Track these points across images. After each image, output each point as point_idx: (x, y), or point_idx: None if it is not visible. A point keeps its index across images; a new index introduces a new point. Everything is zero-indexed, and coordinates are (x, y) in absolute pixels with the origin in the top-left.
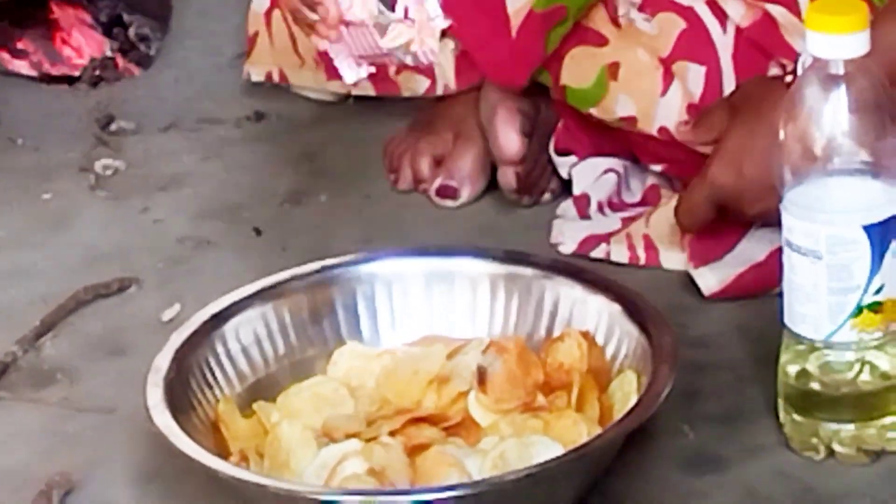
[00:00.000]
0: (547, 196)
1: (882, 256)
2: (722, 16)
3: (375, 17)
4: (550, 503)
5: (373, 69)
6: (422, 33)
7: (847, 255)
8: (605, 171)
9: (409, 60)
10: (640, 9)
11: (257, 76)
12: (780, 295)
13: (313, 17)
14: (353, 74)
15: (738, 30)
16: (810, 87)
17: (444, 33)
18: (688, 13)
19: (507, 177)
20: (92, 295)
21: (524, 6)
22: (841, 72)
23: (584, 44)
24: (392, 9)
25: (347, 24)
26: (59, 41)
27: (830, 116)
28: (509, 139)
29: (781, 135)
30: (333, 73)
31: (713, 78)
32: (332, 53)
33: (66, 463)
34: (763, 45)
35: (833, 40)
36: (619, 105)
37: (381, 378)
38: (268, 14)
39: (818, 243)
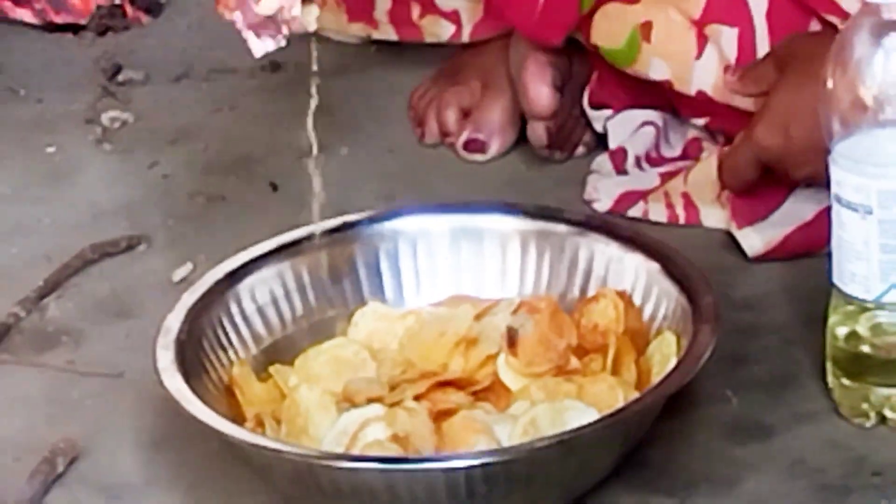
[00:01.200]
0: (580, 150)
1: None
2: None
3: None
4: (585, 471)
5: (283, 42)
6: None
7: None
8: (643, 124)
9: (284, 30)
10: None
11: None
12: (829, 254)
13: None
14: (260, 47)
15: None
16: (861, 32)
17: None
18: None
19: (538, 132)
20: (98, 254)
21: None
22: (895, 17)
23: (615, 0)
24: None
25: None
26: None
27: (882, 64)
28: (540, 93)
29: (829, 83)
30: (355, 15)
31: (746, 40)
32: (237, 25)
33: (72, 429)
34: (806, 1)
35: None
36: (652, 69)
37: (404, 340)
38: None
39: (869, 198)
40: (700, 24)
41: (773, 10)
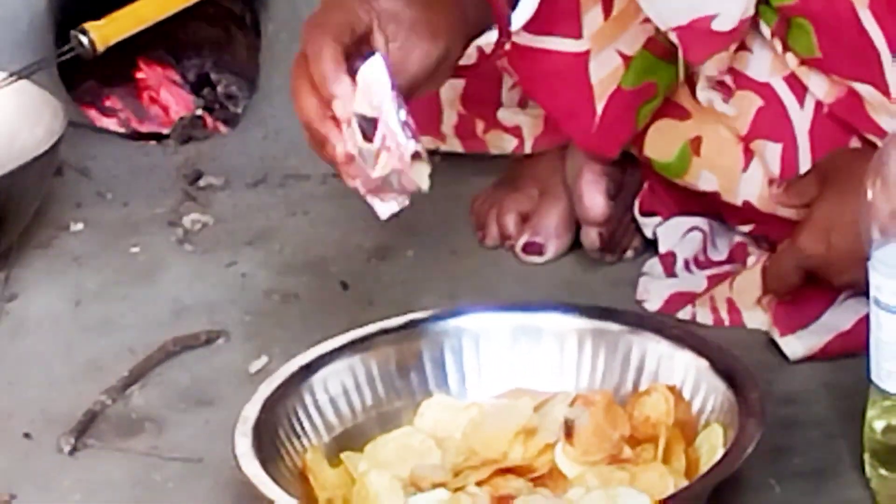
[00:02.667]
0: (629, 254)
1: None
2: (801, 91)
3: (360, 148)
4: None
5: (406, 201)
6: (400, 161)
7: None
8: (691, 230)
9: (404, 190)
10: (718, 86)
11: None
12: (867, 354)
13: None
14: (385, 209)
15: (819, 105)
16: None
17: (417, 156)
18: (765, 90)
19: (591, 237)
20: (180, 346)
21: (609, 80)
22: None
23: (667, 116)
24: (371, 139)
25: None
26: (147, 99)
27: None
28: (595, 201)
29: (869, 195)
30: (424, 129)
31: (789, 154)
32: (360, 192)
33: None
34: (847, 121)
35: None
36: (701, 180)
37: (467, 429)
38: None
39: None
40: (746, 140)
41: (816, 128)
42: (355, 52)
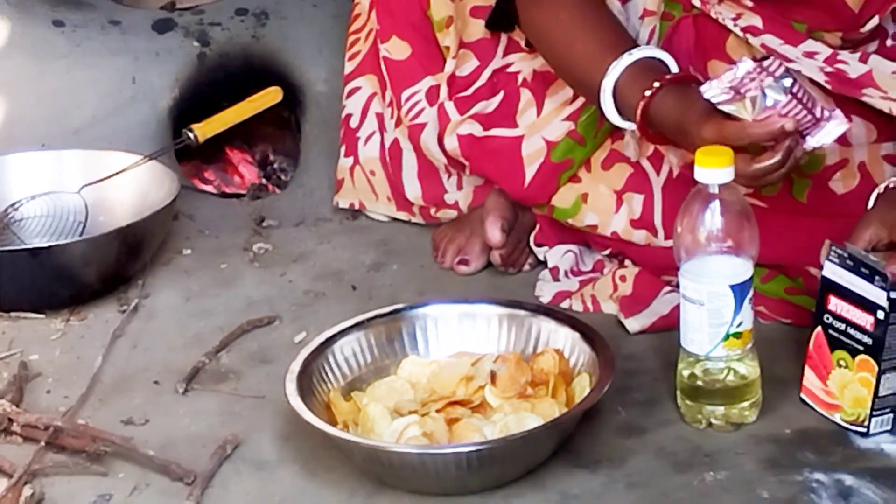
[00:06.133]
0: (527, 268)
1: (742, 304)
2: (658, 163)
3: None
4: (535, 456)
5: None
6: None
7: (720, 303)
8: (567, 252)
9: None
10: (604, 166)
11: (343, 204)
12: (678, 329)
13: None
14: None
15: (671, 171)
16: (697, 199)
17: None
18: (635, 166)
19: (495, 257)
20: (251, 326)
21: (536, 155)
22: (716, 191)
23: (568, 181)
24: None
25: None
26: (231, 172)
27: (709, 218)
28: (493, 234)
29: (679, 228)
30: (401, 206)
31: (648, 203)
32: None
33: (235, 429)
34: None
35: (710, 172)
36: (587, 219)
37: (430, 377)
38: (351, 169)
39: (702, 296)
40: (620, 193)
41: (668, 185)
42: None
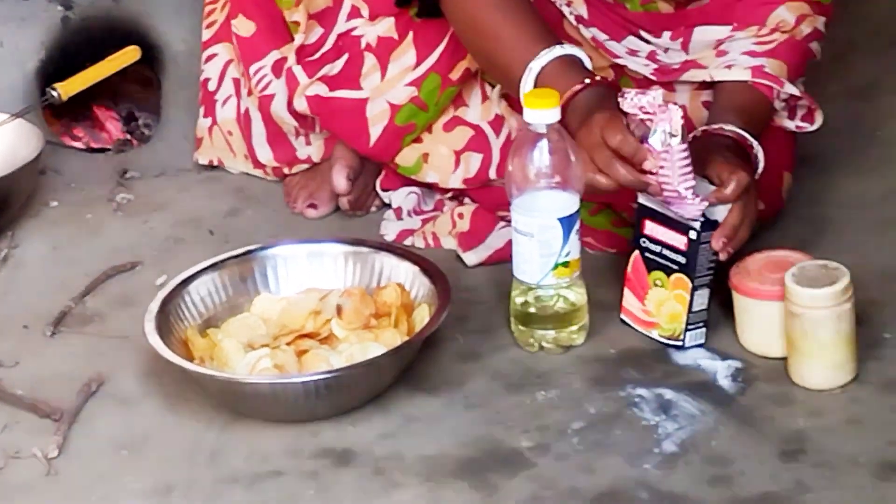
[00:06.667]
0: (373, 209)
1: (569, 235)
2: (498, 127)
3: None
4: (379, 382)
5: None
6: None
7: (549, 235)
8: (410, 193)
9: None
10: (445, 128)
11: (203, 161)
12: (511, 260)
13: None
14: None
15: (509, 134)
16: (526, 140)
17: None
18: (476, 128)
19: (342, 202)
20: (115, 272)
21: (380, 117)
22: (543, 131)
23: (412, 142)
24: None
25: None
26: (99, 128)
27: (538, 156)
28: (339, 182)
29: (510, 167)
30: (257, 165)
31: (486, 161)
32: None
33: (100, 367)
34: None
35: (539, 113)
36: (428, 176)
37: (281, 313)
38: (210, 129)
39: (532, 229)
40: (458, 154)
41: (505, 146)
42: None
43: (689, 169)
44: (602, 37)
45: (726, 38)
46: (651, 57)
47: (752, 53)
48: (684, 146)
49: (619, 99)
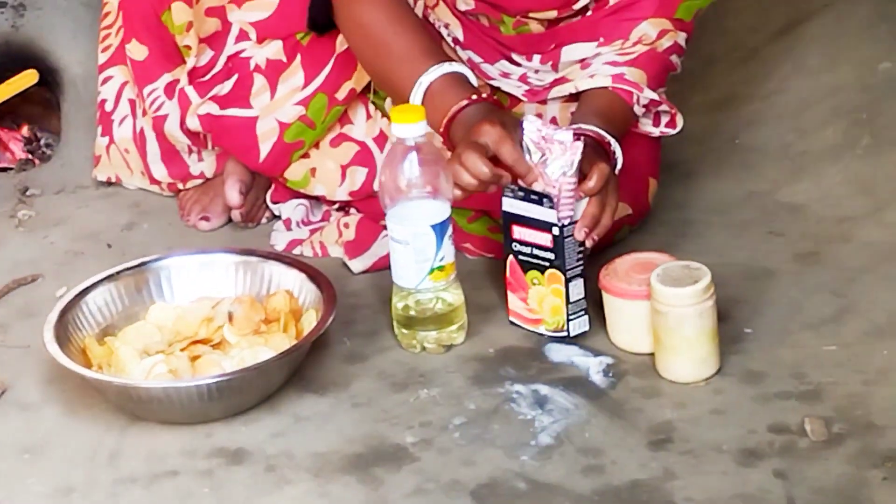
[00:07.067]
0: (263, 221)
1: (442, 240)
2: (382, 143)
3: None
4: (270, 384)
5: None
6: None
7: (423, 242)
8: (299, 205)
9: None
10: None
11: (101, 177)
12: (390, 267)
13: None
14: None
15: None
16: (396, 152)
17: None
18: (361, 144)
19: (235, 214)
20: (17, 284)
21: (269, 134)
22: (412, 144)
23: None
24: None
25: None
26: (2, 149)
27: (408, 167)
28: (232, 196)
29: (382, 178)
30: (153, 181)
31: (370, 175)
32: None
33: (2, 376)
34: None
35: (408, 128)
36: (316, 190)
37: (175, 320)
38: (107, 147)
39: (407, 237)
40: (345, 168)
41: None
42: None
43: (573, 200)
44: (477, 59)
45: (593, 55)
46: (522, 79)
47: (613, 63)
48: (574, 181)
49: (527, 121)
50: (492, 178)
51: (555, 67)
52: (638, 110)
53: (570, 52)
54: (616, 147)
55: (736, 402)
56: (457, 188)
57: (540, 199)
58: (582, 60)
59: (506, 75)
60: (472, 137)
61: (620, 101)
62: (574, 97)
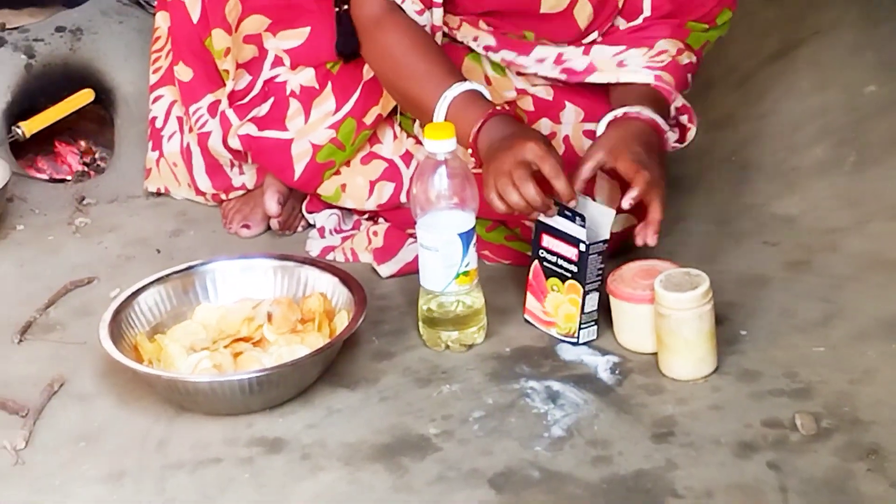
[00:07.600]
0: (299, 229)
1: (468, 248)
2: (408, 160)
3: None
4: (305, 379)
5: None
6: None
7: (450, 249)
8: (332, 214)
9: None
10: (363, 162)
11: (152, 189)
12: (419, 271)
13: None
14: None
15: (418, 164)
16: (428, 166)
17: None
18: (389, 161)
19: (273, 224)
20: (74, 286)
21: (303, 155)
22: (442, 159)
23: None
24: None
25: None
26: (60, 161)
27: (438, 181)
28: (271, 206)
29: (414, 190)
30: (199, 192)
31: (397, 190)
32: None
33: (61, 369)
34: None
35: (440, 144)
36: (346, 202)
37: (219, 320)
38: (157, 161)
39: (436, 244)
40: (373, 183)
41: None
42: None
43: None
44: (511, 55)
45: (620, 51)
46: (558, 60)
47: (649, 67)
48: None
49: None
50: (541, 205)
51: (587, 51)
52: (671, 111)
53: (598, 51)
54: (670, 135)
55: (732, 398)
56: (499, 201)
57: (573, 216)
58: (615, 56)
59: (541, 60)
60: (517, 156)
61: (662, 97)
62: (588, 116)
